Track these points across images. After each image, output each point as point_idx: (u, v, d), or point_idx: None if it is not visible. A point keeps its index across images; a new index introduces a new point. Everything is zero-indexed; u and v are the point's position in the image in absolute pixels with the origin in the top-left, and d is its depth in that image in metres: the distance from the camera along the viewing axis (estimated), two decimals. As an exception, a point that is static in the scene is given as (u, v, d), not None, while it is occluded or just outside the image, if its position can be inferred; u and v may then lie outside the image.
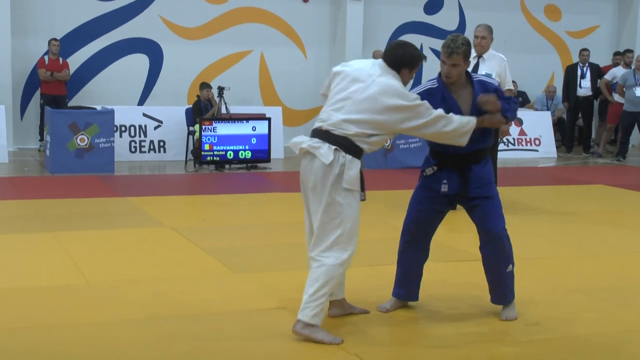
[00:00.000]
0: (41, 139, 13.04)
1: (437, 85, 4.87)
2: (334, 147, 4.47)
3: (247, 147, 11.95)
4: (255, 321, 4.93)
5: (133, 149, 12.80)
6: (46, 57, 13.17)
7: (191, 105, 12.68)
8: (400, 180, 10.87)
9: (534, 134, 14.55)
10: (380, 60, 4.66)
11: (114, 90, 13.97)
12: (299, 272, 6.05)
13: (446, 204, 5.01)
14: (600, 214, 9.00)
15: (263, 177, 11.45)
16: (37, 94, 13.36)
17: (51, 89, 13.07)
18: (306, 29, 15.26)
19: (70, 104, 13.35)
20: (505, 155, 13.41)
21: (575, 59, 15.93)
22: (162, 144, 12.96)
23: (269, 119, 12.18)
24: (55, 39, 13.19)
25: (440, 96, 4.78)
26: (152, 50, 14.35)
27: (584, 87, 14.86)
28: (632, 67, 14.29)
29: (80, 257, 6.38)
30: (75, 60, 13.77)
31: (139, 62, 14.28)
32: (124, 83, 14.10)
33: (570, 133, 15.24)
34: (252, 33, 14.89)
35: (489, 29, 8.51)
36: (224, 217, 8.77)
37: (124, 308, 5.15)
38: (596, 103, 15.44)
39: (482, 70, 8.20)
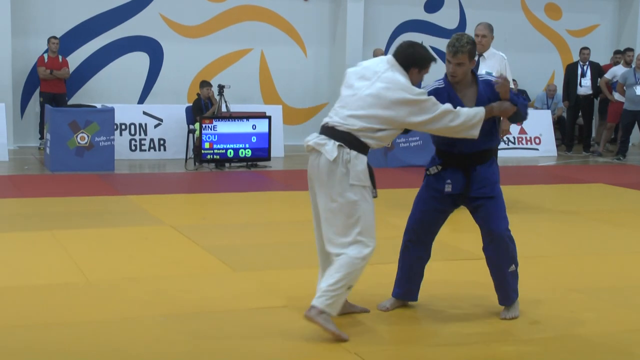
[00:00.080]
0: (41, 137, 13.04)
1: (443, 85, 4.88)
2: (338, 143, 4.48)
3: (247, 146, 11.95)
4: (255, 319, 4.93)
5: (133, 147, 12.80)
6: (45, 55, 13.17)
7: (191, 104, 12.67)
8: (400, 179, 10.87)
9: (534, 132, 14.54)
10: (389, 57, 4.68)
11: (114, 88, 13.96)
12: (300, 270, 6.07)
13: (450, 204, 5.00)
14: (600, 212, 8.99)
15: (263, 175, 11.44)
16: (37, 92, 13.35)
17: (51, 87, 13.07)
18: (306, 27, 15.25)
19: (71, 102, 13.34)
20: (505, 154, 13.42)
21: (575, 57, 15.92)
22: (162, 142, 12.96)
23: (269, 118, 12.18)
24: (54, 37, 13.18)
25: (446, 96, 4.78)
26: (153, 49, 14.34)
27: (584, 85, 14.85)
28: (633, 66, 14.28)
29: (80, 256, 6.38)
30: (76, 59, 13.77)
31: (139, 60, 14.28)
32: (124, 81, 14.10)
33: (571, 132, 15.23)
34: (253, 31, 14.88)
35: (490, 28, 8.50)
36: (224, 216, 8.77)
37: (124, 306, 5.15)
38: (596, 102, 15.43)
39: (483, 68, 8.19)
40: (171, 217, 8.10)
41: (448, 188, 4.91)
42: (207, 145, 11.68)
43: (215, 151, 11.76)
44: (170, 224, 7.67)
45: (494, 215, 4.87)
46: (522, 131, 14.44)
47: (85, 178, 10.61)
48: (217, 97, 12.31)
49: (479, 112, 4.67)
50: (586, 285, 5.90)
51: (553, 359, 4.52)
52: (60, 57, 13.20)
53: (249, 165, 12.00)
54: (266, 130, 12.04)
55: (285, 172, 11.99)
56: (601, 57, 16.25)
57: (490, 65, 8.29)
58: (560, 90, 15.72)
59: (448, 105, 4.61)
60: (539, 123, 14.68)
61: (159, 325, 4.80)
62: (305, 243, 6.93)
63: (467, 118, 4.62)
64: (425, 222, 5.01)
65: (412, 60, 4.63)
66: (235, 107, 12.59)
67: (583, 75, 14.87)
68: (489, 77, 5.06)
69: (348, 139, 4.49)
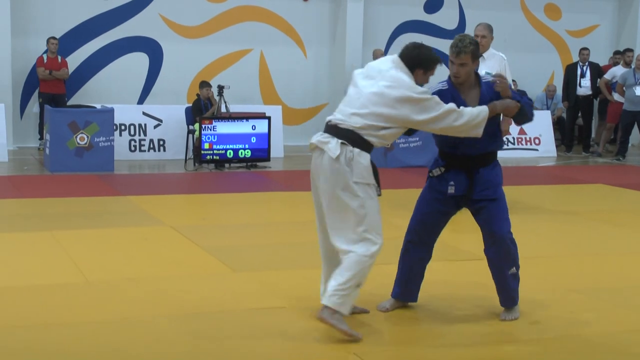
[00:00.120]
0: (41, 138, 13.04)
1: (447, 87, 4.88)
2: (341, 141, 4.49)
3: (246, 146, 11.95)
4: (255, 320, 4.93)
5: (133, 148, 12.79)
6: (45, 56, 13.17)
7: (191, 104, 12.67)
8: (400, 180, 10.87)
9: (534, 133, 14.54)
10: (395, 56, 4.69)
11: (114, 88, 13.96)
12: (299, 270, 6.06)
13: (453, 206, 5.00)
14: (599, 213, 8.99)
15: (263, 176, 11.45)
16: (37, 92, 13.34)
17: (50, 87, 13.07)
18: (306, 27, 15.25)
19: (70, 102, 13.34)
20: (505, 155, 13.40)
21: (575, 58, 15.92)
22: (161, 142, 12.95)
23: (268, 118, 12.18)
24: (53, 38, 13.18)
25: (450, 97, 4.78)
26: (152, 49, 14.34)
27: (584, 86, 14.85)
28: (632, 67, 14.28)
29: (79, 256, 6.37)
30: (75, 59, 13.77)
31: (138, 61, 14.28)
32: (124, 82, 14.09)
33: (570, 132, 15.23)
34: (252, 32, 14.88)
35: (489, 28, 8.50)
36: (224, 216, 8.77)
37: (124, 307, 5.15)
38: (596, 102, 15.44)
39: (482, 69, 8.18)
40: (171, 217, 8.10)
41: (451, 190, 4.91)
42: (206, 145, 11.68)
43: (215, 152, 11.76)
44: (170, 225, 7.67)
45: (497, 217, 4.87)
46: (522, 132, 14.43)
47: (85, 178, 10.61)
48: (217, 98, 12.31)
49: (482, 110, 4.67)
50: (586, 286, 5.90)
51: (553, 359, 4.52)
52: (59, 58, 13.19)
53: (248, 166, 12.00)
54: (266, 130, 12.04)
55: (285, 172, 11.99)
56: (601, 57, 16.26)
57: (489, 65, 8.29)
58: (559, 91, 15.72)
59: (452, 105, 4.61)
60: (539, 123, 14.62)
61: (158, 325, 4.80)
62: (305, 243, 6.93)
63: (471, 117, 4.62)
64: (427, 224, 5.01)
65: (418, 61, 4.65)
66: (234, 108, 12.59)
67: (582, 75, 14.87)
68: (488, 77, 5.06)
69: (351, 137, 4.50)
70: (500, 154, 5.16)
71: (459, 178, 4.91)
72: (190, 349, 4.44)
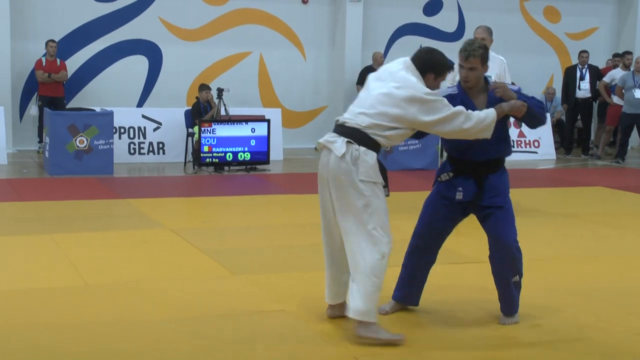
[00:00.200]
0: (40, 141, 13.04)
1: (457, 91, 4.89)
2: (347, 140, 4.50)
3: (246, 149, 11.95)
4: (254, 323, 4.93)
5: (132, 151, 12.79)
6: (43, 59, 13.17)
7: (190, 107, 12.67)
8: (399, 182, 10.86)
9: (533, 135, 14.54)
10: (406, 59, 4.70)
11: (113, 91, 13.96)
12: (299, 273, 6.06)
13: (460, 212, 4.99)
14: (599, 215, 8.99)
15: (262, 179, 11.44)
16: (36, 95, 13.34)
17: (49, 90, 13.07)
18: (305, 30, 15.26)
19: (70, 105, 13.35)
20: (504, 157, 13.39)
21: (574, 60, 15.93)
22: (161, 145, 12.95)
23: (268, 121, 12.17)
24: (52, 40, 13.18)
25: (459, 101, 4.78)
26: (152, 52, 14.35)
27: (583, 88, 14.86)
28: (632, 69, 14.29)
29: (79, 259, 6.37)
30: (75, 62, 13.77)
31: (138, 64, 14.28)
32: (123, 84, 14.10)
33: (570, 135, 15.24)
34: (252, 34, 14.89)
35: (489, 31, 8.50)
36: (223, 219, 8.77)
37: (123, 309, 5.15)
38: (595, 105, 15.45)
39: (482, 72, 8.18)
40: (170, 220, 8.10)
41: (459, 195, 4.90)
42: (206, 148, 11.67)
43: (214, 154, 11.76)
44: (170, 227, 7.67)
45: (504, 225, 4.86)
46: (521, 134, 14.44)
47: (84, 181, 10.61)
48: (216, 101, 12.31)
49: (490, 113, 4.67)
50: (586, 288, 5.90)
51: (553, 362, 4.52)
52: (58, 61, 13.20)
53: (248, 169, 12.00)
54: (265, 133, 12.04)
55: (284, 175, 11.99)
56: (600, 60, 16.27)
57: (489, 68, 8.27)
58: (559, 94, 15.72)
59: (460, 107, 4.61)
60: (538, 126, 14.66)
61: (158, 328, 4.80)
62: (305, 246, 6.94)
63: (479, 120, 4.61)
64: (433, 229, 5.01)
65: (430, 66, 4.65)
66: (234, 111, 12.59)
67: (582, 78, 14.88)
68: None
69: (357, 136, 4.51)
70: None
71: (467, 184, 4.90)
72: (189, 352, 4.44)
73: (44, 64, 13.11)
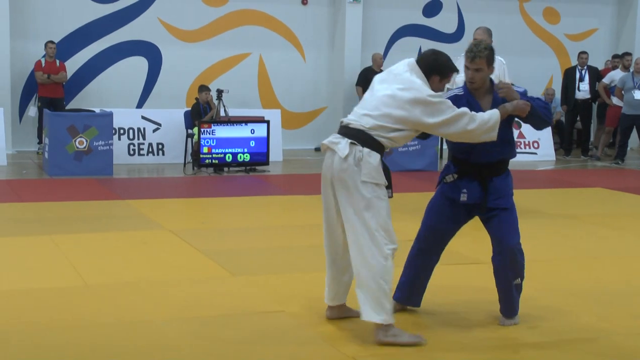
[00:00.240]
0: (40, 142, 13.04)
1: (462, 92, 4.89)
2: (350, 141, 4.50)
3: (245, 150, 11.95)
4: (254, 324, 4.93)
5: (132, 152, 12.80)
6: (43, 60, 13.17)
7: (190, 108, 12.67)
8: (398, 184, 10.82)
9: (533, 136, 14.54)
10: (411, 60, 4.70)
11: (113, 92, 13.96)
12: (298, 274, 6.06)
13: (464, 214, 4.98)
14: (598, 216, 9.00)
15: (262, 180, 11.45)
16: (35, 96, 13.34)
17: (48, 91, 13.07)
18: (305, 31, 15.26)
19: (69, 106, 13.34)
20: (504, 158, 13.40)
21: (573, 61, 15.92)
22: (160, 146, 12.95)
23: (267, 122, 12.17)
24: (51, 42, 13.18)
25: (465, 102, 4.77)
26: (151, 53, 14.35)
27: (583, 90, 14.86)
28: (631, 70, 14.30)
29: (78, 260, 6.37)
30: (74, 63, 13.77)
31: (137, 65, 14.28)
32: (123, 86, 14.10)
33: (569, 136, 15.24)
34: (251, 36, 14.89)
35: (488, 32, 8.51)
36: (223, 220, 8.77)
37: (122, 310, 5.15)
38: (595, 106, 15.45)
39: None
40: (170, 221, 8.10)
41: (463, 197, 4.89)
42: (205, 149, 11.67)
43: (214, 155, 11.75)
44: (169, 228, 7.67)
45: (508, 227, 4.86)
46: (521, 135, 14.44)
47: (84, 182, 10.61)
48: (216, 102, 12.31)
49: (493, 114, 4.66)
50: (585, 289, 5.90)
51: (552, 363, 4.52)
52: (57, 62, 13.20)
53: (247, 170, 12.00)
54: (265, 134, 12.04)
55: (284, 176, 11.99)
56: (599, 61, 16.27)
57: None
58: (558, 95, 15.72)
59: (464, 108, 4.60)
60: (538, 127, 14.66)
61: (157, 329, 4.80)
62: (304, 247, 6.94)
63: (483, 121, 4.60)
64: (437, 231, 5.00)
65: (435, 68, 4.65)
66: (233, 112, 12.59)
67: (581, 79, 14.88)
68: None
69: (361, 137, 4.51)
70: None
71: (472, 186, 4.89)
72: (189, 352, 4.44)
73: (43, 65, 13.11)
